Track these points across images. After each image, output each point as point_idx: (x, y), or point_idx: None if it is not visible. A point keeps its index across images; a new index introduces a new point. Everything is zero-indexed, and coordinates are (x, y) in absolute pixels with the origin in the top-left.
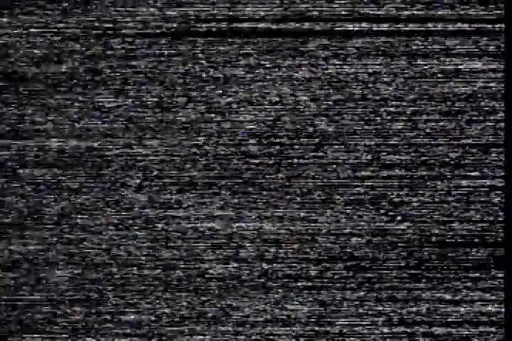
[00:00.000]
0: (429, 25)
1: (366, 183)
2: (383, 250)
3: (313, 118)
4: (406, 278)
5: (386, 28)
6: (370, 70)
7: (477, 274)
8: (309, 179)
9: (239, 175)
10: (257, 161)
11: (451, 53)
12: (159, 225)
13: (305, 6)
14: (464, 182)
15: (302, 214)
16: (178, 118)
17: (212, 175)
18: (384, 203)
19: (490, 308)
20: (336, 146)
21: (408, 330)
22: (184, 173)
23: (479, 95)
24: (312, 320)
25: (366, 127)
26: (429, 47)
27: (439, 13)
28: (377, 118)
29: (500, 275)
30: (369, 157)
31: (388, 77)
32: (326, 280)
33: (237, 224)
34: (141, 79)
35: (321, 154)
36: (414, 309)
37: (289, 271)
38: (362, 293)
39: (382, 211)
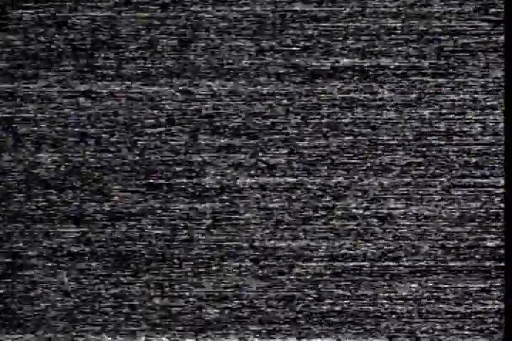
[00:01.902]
0: (428, 24)
1: (366, 181)
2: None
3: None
4: (406, 276)
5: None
6: (369, 73)
7: (477, 273)
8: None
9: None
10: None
11: (450, 53)
12: None
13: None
14: (464, 182)
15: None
16: None
17: None
18: (385, 202)
19: (490, 307)
20: (335, 145)
21: (407, 328)
22: None
23: (479, 96)
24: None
25: (365, 127)
26: (428, 46)
27: (438, 11)
28: (378, 116)
29: (500, 275)
30: (369, 156)
31: (388, 78)
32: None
33: None
34: None
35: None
36: (415, 308)
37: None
38: (363, 288)
39: (383, 209)
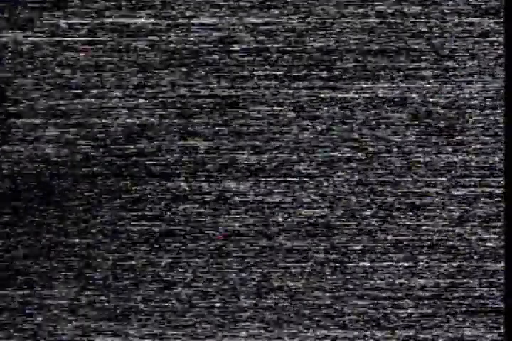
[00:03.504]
0: (428, 24)
1: (369, 181)
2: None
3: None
4: (405, 274)
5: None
6: (369, 72)
7: (477, 273)
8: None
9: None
10: None
11: (450, 53)
12: None
13: None
14: (464, 182)
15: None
16: None
17: None
18: (385, 202)
19: (490, 307)
20: (333, 144)
21: (407, 327)
22: None
23: (479, 96)
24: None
25: (366, 128)
26: (429, 47)
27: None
28: (378, 116)
29: (500, 275)
30: (369, 155)
31: (388, 77)
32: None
33: None
34: None
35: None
36: (415, 307)
37: None
38: (366, 279)
39: (384, 209)
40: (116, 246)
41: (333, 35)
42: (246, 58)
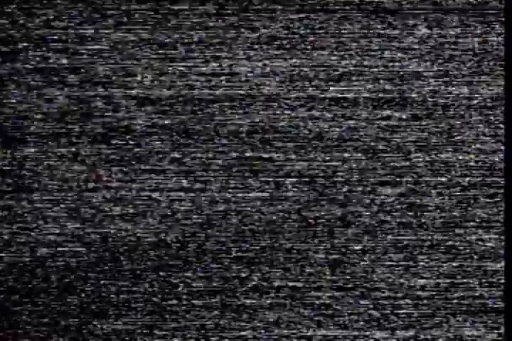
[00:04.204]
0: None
1: (369, 181)
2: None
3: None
4: (405, 274)
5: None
6: (368, 67)
7: (477, 273)
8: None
9: None
10: None
11: (450, 52)
12: None
13: None
14: (464, 182)
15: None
16: None
17: None
18: (385, 202)
19: (490, 306)
20: (344, 153)
21: (408, 326)
22: None
23: (479, 97)
24: None
25: (364, 129)
26: (429, 48)
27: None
28: (378, 116)
29: (500, 277)
30: (374, 161)
31: (387, 77)
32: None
33: None
34: None
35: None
36: (416, 306)
37: None
38: (370, 271)
39: (384, 209)
40: (116, 248)
41: (334, 36)
42: (245, 57)
